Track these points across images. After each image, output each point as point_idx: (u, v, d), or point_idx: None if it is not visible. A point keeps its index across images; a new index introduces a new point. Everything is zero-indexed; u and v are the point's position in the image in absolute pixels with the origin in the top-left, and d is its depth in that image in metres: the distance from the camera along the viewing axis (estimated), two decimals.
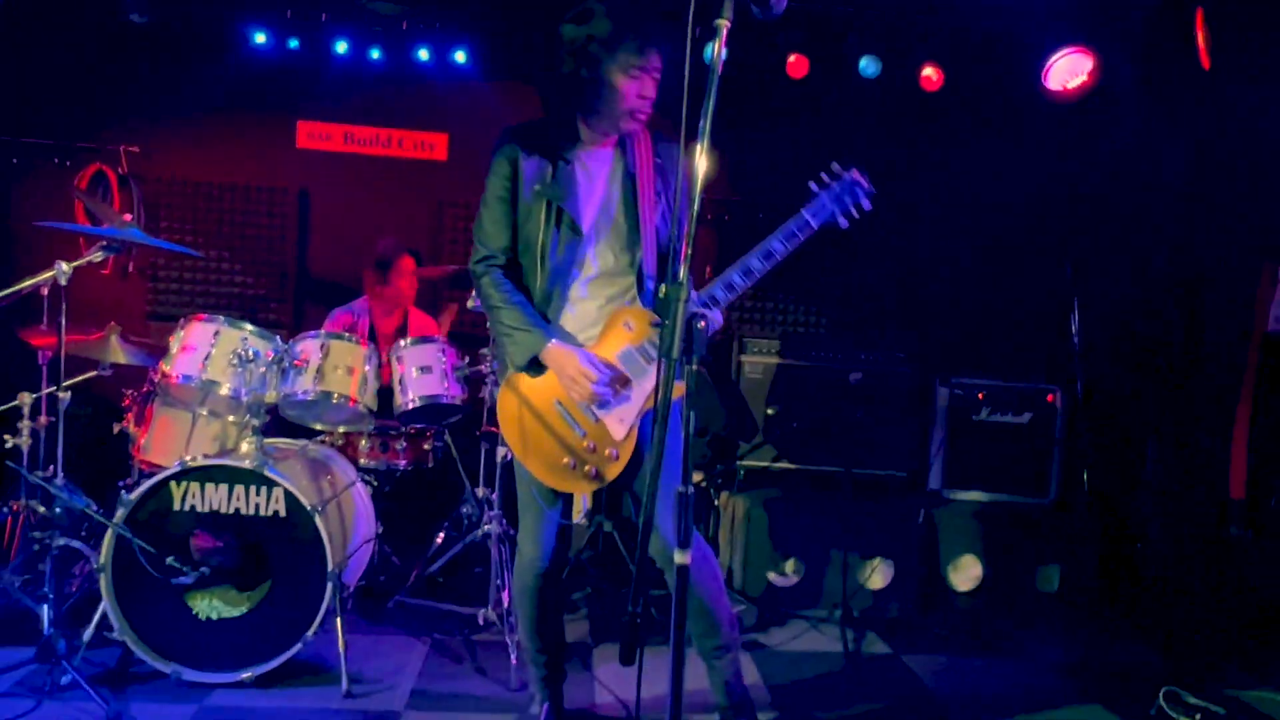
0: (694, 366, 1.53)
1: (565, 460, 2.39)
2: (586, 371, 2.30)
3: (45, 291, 3.65)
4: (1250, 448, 3.51)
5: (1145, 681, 3.29)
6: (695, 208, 1.53)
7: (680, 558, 1.58)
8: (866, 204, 2.38)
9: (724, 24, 1.51)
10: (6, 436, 3.46)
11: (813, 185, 2.37)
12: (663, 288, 1.49)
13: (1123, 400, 4.43)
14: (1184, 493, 4.02)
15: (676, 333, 1.47)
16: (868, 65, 4.72)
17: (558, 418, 2.39)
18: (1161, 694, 2.87)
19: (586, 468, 2.40)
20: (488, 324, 2.52)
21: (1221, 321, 3.91)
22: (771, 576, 4.03)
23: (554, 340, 2.35)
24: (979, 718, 3.12)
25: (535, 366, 2.38)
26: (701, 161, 1.55)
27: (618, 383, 2.35)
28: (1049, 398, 4.32)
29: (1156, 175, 4.37)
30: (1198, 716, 2.79)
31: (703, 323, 1.53)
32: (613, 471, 2.41)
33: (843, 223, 2.38)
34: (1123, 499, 4.31)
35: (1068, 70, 4.46)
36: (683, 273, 1.50)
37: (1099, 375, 4.53)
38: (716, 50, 1.50)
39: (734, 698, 2.57)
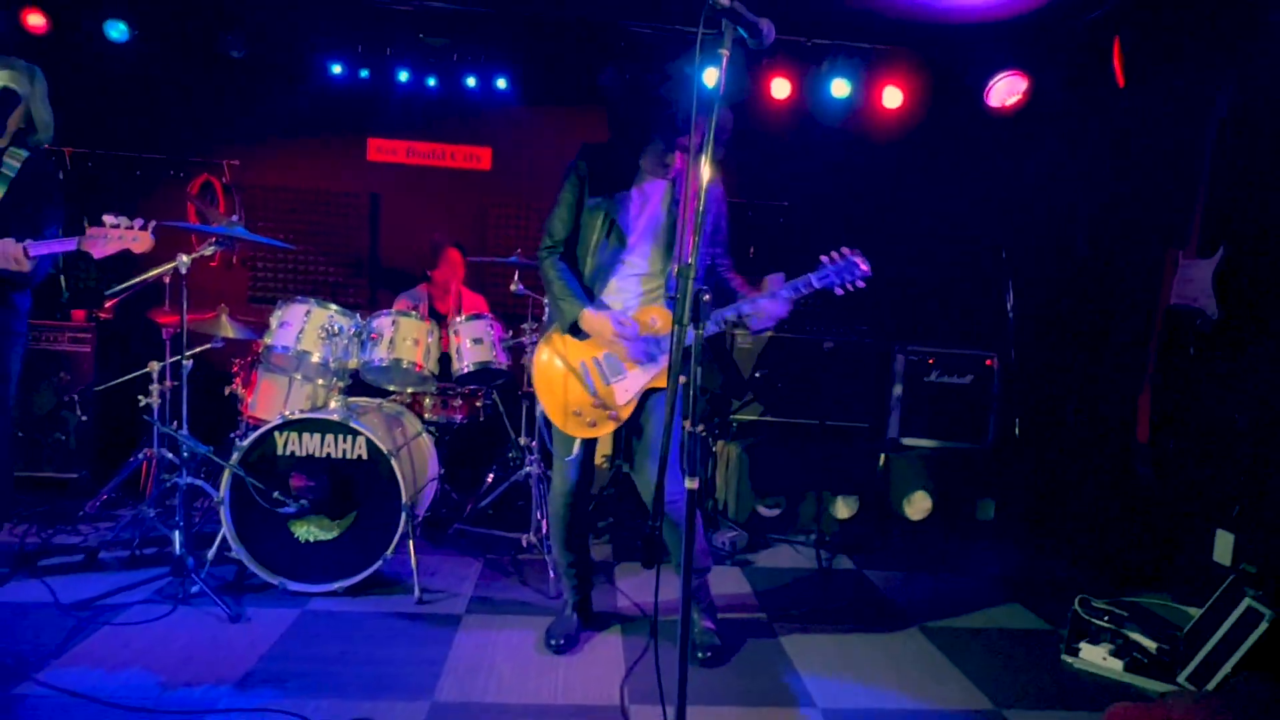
0: (700, 331, 1.56)
1: (574, 409, 2.51)
2: (619, 331, 2.41)
3: (168, 279, 3.74)
4: (1153, 400, 3.52)
5: (1064, 590, 3.35)
6: (701, 206, 1.55)
7: (689, 483, 1.62)
8: (861, 284, 2.34)
9: (724, 53, 1.52)
10: (140, 397, 3.53)
11: (823, 258, 2.35)
12: (675, 267, 1.52)
13: (1049, 363, 4.43)
14: (1098, 438, 4.03)
15: (687, 303, 1.50)
16: (839, 86, 4.67)
17: (578, 376, 2.50)
18: (1077, 600, 2.91)
19: (589, 419, 2.51)
20: (544, 299, 2.60)
21: (1130, 297, 3.90)
22: (758, 508, 4.10)
23: (590, 308, 2.45)
24: (927, 615, 3.17)
25: (576, 331, 2.49)
26: (705, 169, 1.58)
27: (645, 337, 2.43)
28: (988, 362, 4.33)
29: (1078, 176, 4.33)
30: (1106, 618, 2.83)
31: (706, 296, 1.56)
32: (607, 428, 2.52)
33: (838, 292, 2.35)
34: (1047, 444, 4.33)
35: (1005, 90, 4.41)
36: (692, 257, 1.53)
37: (1030, 343, 4.53)
38: (719, 76, 1.51)
39: (703, 604, 2.73)
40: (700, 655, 2.64)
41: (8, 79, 1.55)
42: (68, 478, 4.11)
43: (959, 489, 4.19)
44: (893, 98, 4.71)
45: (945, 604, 3.33)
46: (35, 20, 4.35)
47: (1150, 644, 2.73)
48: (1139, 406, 3.57)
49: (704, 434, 4.17)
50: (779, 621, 3.06)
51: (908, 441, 4.30)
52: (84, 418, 4.10)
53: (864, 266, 2.33)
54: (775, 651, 2.80)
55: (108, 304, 3.78)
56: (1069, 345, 4.34)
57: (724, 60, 1.51)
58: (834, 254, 2.35)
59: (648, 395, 2.54)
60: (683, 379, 1.56)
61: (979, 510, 4.22)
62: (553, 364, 2.55)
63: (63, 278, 4.73)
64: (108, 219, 2.62)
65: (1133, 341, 3.78)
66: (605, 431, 2.51)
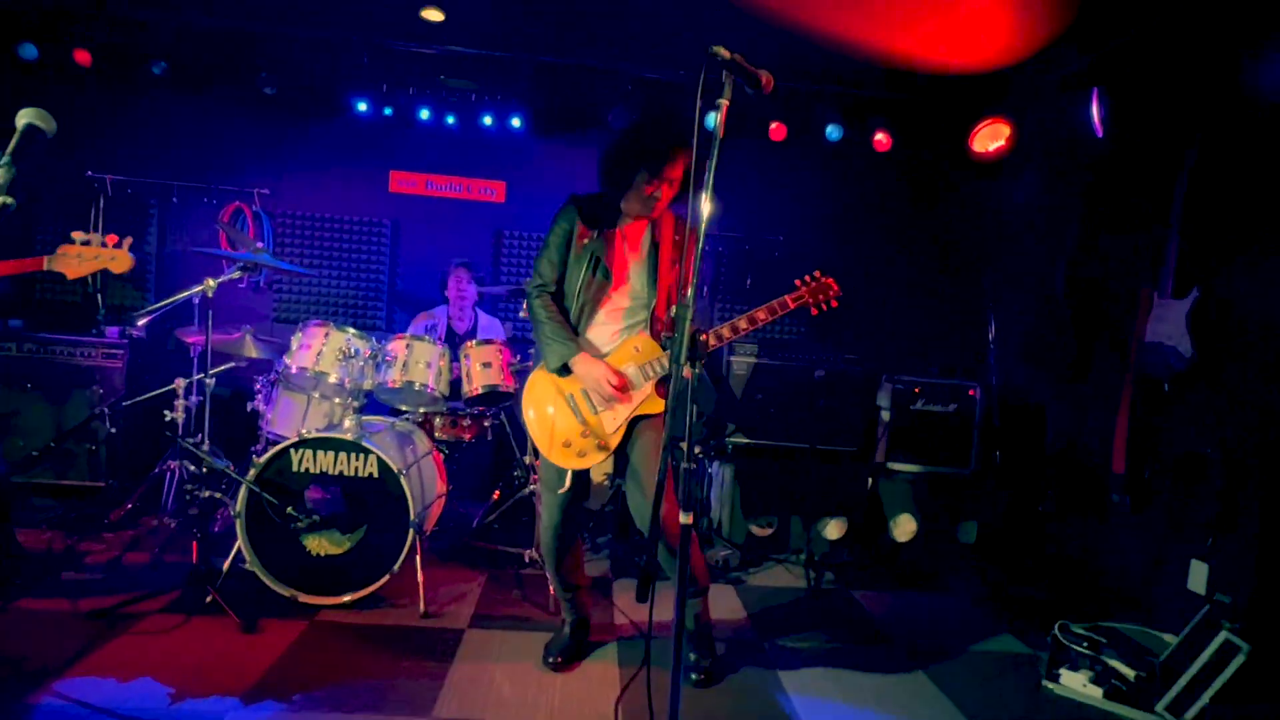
0: (697, 369, 1.49)
1: (563, 440, 2.42)
2: (608, 379, 2.36)
3: (197, 301, 3.69)
4: (1129, 433, 3.43)
5: (1045, 614, 3.25)
6: (701, 244, 1.49)
7: (684, 518, 1.55)
8: (834, 304, 2.39)
9: (724, 103, 1.47)
10: (166, 412, 3.47)
11: (797, 281, 2.38)
12: (672, 307, 1.45)
13: (1029, 393, 4.35)
14: (1076, 466, 3.94)
15: (684, 342, 1.43)
16: (832, 131, 4.64)
17: (567, 409, 2.43)
18: (1056, 626, 2.82)
19: (578, 450, 2.42)
20: (531, 333, 2.54)
21: (1107, 333, 3.83)
22: (751, 528, 4.00)
23: (583, 352, 2.40)
24: (913, 637, 3.08)
25: (564, 370, 2.43)
26: (705, 207, 1.52)
27: (626, 389, 2.39)
28: (970, 392, 4.23)
29: (1059, 216, 4.28)
30: (1085, 644, 2.73)
31: (704, 335, 1.49)
32: (596, 458, 2.43)
33: (813, 311, 2.39)
34: (1026, 471, 4.24)
35: (989, 136, 4.37)
36: (689, 295, 1.46)
37: (1011, 373, 4.46)
38: (719, 123, 1.45)
39: (699, 624, 2.62)
40: (694, 676, 2.55)
41: (34, 116, 1.49)
42: (96, 486, 4.04)
43: (943, 512, 4.08)
44: (882, 141, 4.67)
45: (930, 626, 3.23)
46: (82, 57, 4.34)
47: (1129, 671, 2.63)
48: (1116, 436, 3.49)
49: (700, 456, 4.09)
50: (770, 641, 2.96)
51: (894, 466, 4.19)
52: (113, 430, 4.03)
53: (835, 287, 2.38)
54: (766, 672, 2.71)
55: (140, 322, 3.72)
56: (1049, 376, 4.26)
57: (724, 109, 1.45)
58: (806, 277, 2.38)
59: (635, 421, 2.45)
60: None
61: (961, 532, 4.11)
62: (542, 397, 2.46)
63: (100, 296, 4.69)
64: (77, 236, 2.42)
65: (1109, 375, 3.70)
66: (595, 461, 2.42)
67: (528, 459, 3.84)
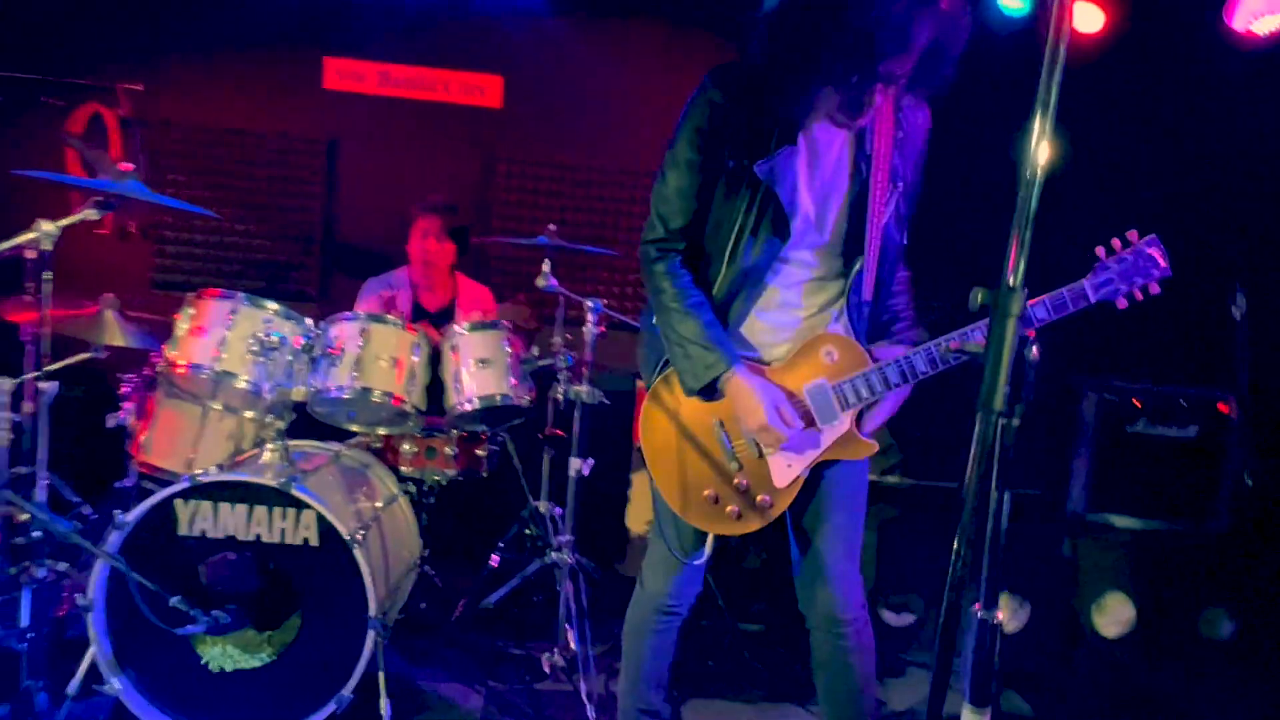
0: (1015, 421, 1.04)
1: (708, 493, 2.12)
2: (774, 427, 1.98)
3: (31, 255, 3.29)
4: None
5: None
6: (1036, 195, 1.12)
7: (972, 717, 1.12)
8: (1156, 288, 1.96)
9: None
10: None
11: (1100, 252, 1.98)
12: (979, 293, 1.00)
13: None
14: None
15: (1002, 369, 0.98)
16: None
17: (715, 442, 2.11)
18: None
19: (729, 508, 2.13)
20: (652, 318, 2.14)
21: None
22: (885, 614, 3.70)
23: (740, 368, 2.01)
24: None
25: (709, 392, 2.05)
26: (1043, 147, 1.17)
27: (809, 426, 2.06)
28: (1221, 406, 3.82)
29: None
30: None
31: (1035, 350, 1.04)
32: (757, 522, 2.11)
33: (1120, 302, 1.96)
34: None
35: (1260, 6, 3.89)
36: (1017, 275, 0.99)
37: (1269, 379, 4.01)
38: None
39: None
40: None
41: None
42: None
43: (1177, 592, 3.73)
44: (1089, 18, 4.21)
45: None
46: None
47: None
48: None
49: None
50: None
51: (1100, 519, 3.82)
52: None
53: (1163, 261, 1.96)
54: None
55: None
56: None
57: None
58: (1115, 243, 1.97)
59: (821, 469, 2.12)
60: None
61: (1206, 624, 3.75)
62: (674, 426, 2.14)
63: None
64: None
65: None
66: (756, 526, 2.11)
67: (542, 506, 3.45)
